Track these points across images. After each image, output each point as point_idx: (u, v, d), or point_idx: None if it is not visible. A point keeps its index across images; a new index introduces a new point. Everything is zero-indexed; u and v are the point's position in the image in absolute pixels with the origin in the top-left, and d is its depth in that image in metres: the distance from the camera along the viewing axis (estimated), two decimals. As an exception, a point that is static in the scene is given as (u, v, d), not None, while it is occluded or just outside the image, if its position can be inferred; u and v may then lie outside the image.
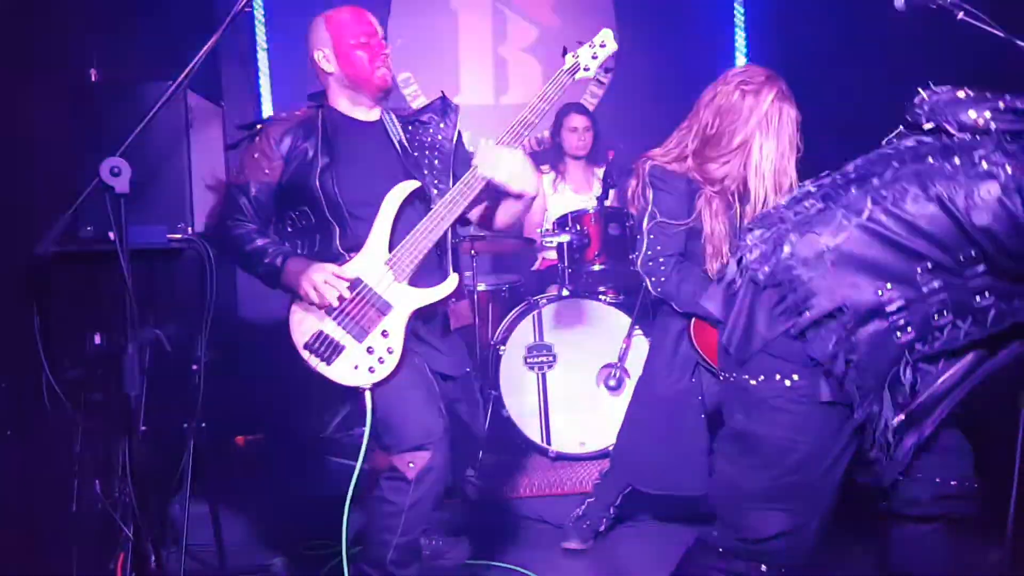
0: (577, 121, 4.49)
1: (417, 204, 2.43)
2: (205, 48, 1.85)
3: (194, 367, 2.56)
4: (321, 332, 2.31)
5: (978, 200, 1.59)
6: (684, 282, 2.73)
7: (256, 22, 4.88)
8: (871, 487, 1.95)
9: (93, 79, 2.83)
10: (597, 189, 4.23)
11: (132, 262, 1.91)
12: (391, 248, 2.35)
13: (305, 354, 2.31)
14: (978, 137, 1.66)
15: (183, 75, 1.88)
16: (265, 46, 4.90)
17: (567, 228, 3.85)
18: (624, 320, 3.68)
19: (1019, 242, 1.58)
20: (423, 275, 2.38)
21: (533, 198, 2.55)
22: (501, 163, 2.37)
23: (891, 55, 3.71)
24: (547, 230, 3.97)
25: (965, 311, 1.65)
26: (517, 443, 3.75)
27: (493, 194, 2.49)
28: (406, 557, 2.33)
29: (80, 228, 2.36)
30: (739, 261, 1.85)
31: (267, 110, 4.89)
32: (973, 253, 1.62)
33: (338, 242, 2.36)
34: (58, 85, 2.57)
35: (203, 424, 2.54)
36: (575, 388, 3.73)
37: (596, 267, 3.84)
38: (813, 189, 1.84)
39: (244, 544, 3.05)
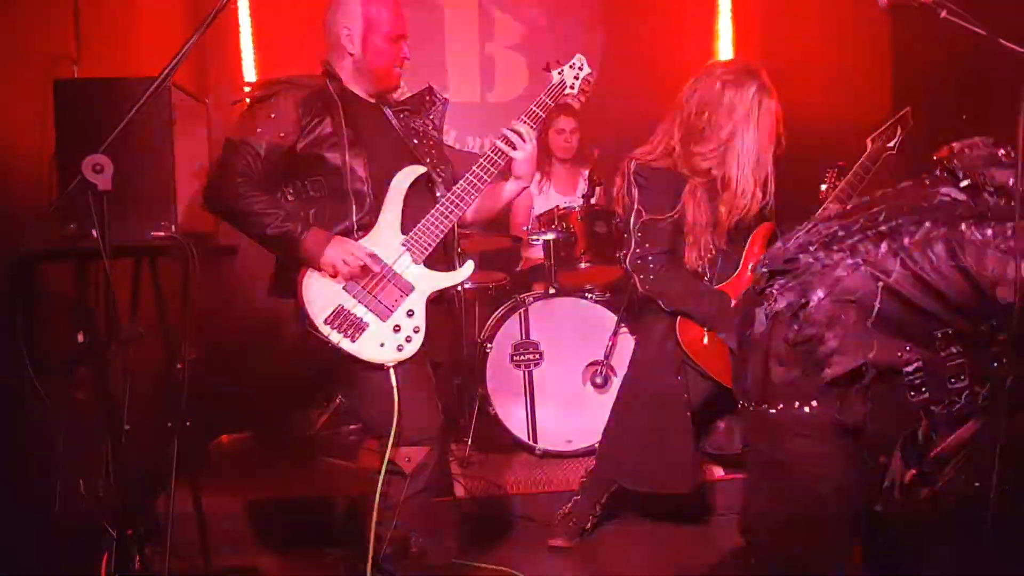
0: (564, 123, 4.49)
1: (421, 189, 2.45)
2: (188, 43, 1.83)
3: (178, 365, 2.54)
4: (342, 307, 2.29)
5: (1007, 275, 1.59)
6: (672, 280, 2.74)
7: (241, 18, 4.85)
8: None
9: (75, 74, 2.81)
10: (582, 189, 4.24)
11: (115, 260, 1.89)
12: (403, 229, 2.37)
13: (326, 329, 2.27)
14: (1012, 203, 1.65)
15: (166, 70, 1.86)
16: (250, 41, 4.87)
17: (553, 226, 3.85)
18: (610, 318, 3.69)
19: None
20: (431, 259, 2.40)
21: (521, 191, 2.61)
22: (529, 139, 2.45)
23: (875, 49, 3.74)
24: (533, 228, 3.97)
25: (983, 377, 1.66)
26: (504, 441, 3.75)
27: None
28: (397, 551, 2.34)
29: (63, 225, 2.33)
30: (765, 311, 1.83)
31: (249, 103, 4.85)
32: (995, 323, 1.63)
33: (355, 218, 2.34)
34: (40, 80, 2.54)
35: (187, 423, 2.52)
36: (561, 386, 3.73)
37: (582, 265, 3.84)
38: (840, 232, 1.80)
39: (229, 543, 3.03)
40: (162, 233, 2.38)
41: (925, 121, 2.96)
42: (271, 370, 4.39)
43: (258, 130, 2.30)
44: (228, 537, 3.05)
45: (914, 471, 1.72)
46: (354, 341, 2.28)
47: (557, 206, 3.88)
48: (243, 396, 4.27)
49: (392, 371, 2.28)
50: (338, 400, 4.20)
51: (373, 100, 2.53)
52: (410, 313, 2.34)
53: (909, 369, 1.66)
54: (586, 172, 4.37)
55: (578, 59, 2.62)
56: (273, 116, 2.31)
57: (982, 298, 1.61)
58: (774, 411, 1.77)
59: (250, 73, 4.88)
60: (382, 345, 2.30)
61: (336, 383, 2.42)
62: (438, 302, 2.50)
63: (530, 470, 3.55)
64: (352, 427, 4.16)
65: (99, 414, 2.43)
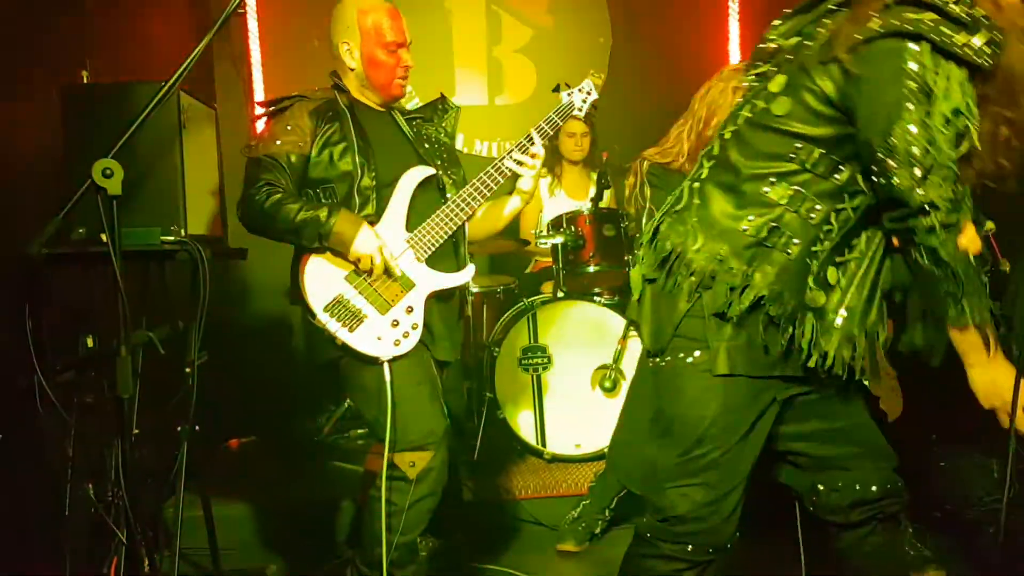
0: (575, 127, 4.48)
1: (430, 190, 2.49)
2: (198, 49, 1.83)
3: (187, 369, 2.55)
4: (341, 296, 2.31)
5: None
6: None
7: (249, 23, 4.86)
8: (792, 490, 1.95)
9: (85, 80, 2.82)
10: (592, 192, 4.23)
11: (124, 264, 1.89)
12: (408, 227, 2.40)
13: (324, 317, 2.29)
14: None
15: (176, 75, 1.86)
16: (258, 47, 4.89)
17: (561, 229, 3.84)
18: (619, 322, 3.68)
19: None
20: (438, 259, 2.44)
21: (521, 207, 2.64)
22: (540, 149, 2.49)
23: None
24: (541, 232, 3.97)
25: None
26: (512, 445, 3.74)
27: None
28: (404, 557, 2.33)
29: (72, 230, 2.34)
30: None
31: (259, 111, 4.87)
32: None
33: (358, 214, 2.37)
34: (49, 85, 2.55)
35: (196, 427, 2.52)
36: (570, 390, 3.72)
37: (591, 268, 3.84)
38: None
39: (239, 548, 3.03)
40: (172, 237, 2.39)
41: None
42: (279, 374, 4.40)
43: (277, 142, 2.38)
44: (238, 541, 3.05)
45: None
46: (351, 332, 2.30)
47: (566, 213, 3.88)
48: (251, 400, 4.27)
49: (387, 366, 2.30)
50: (345, 404, 4.21)
51: (383, 108, 2.57)
52: (409, 309, 2.36)
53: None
54: (595, 175, 4.37)
55: (587, 84, 2.68)
56: (289, 128, 2.39)
57: None
58: (663, 363, 1.78)
59: (259, 78, 4.89)
60: (379, 339, 2.31)
61: (342, 383, 2.41)
62: (448, 300, 2.52)
63: (539, 474, 3.55)
64: (359, 431, 4.16)
65: (108, 418, 2.45)
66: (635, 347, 3.63)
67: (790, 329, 1.65)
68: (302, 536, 3.13)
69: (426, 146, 2.57)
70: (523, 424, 3.70)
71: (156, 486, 2.74)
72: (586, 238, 3.82)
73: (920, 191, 1.46)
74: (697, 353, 1.71)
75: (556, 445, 3.69)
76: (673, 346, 1.75)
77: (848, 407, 1.85)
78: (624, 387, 3.65)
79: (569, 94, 2.66)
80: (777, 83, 1.66)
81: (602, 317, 3.74)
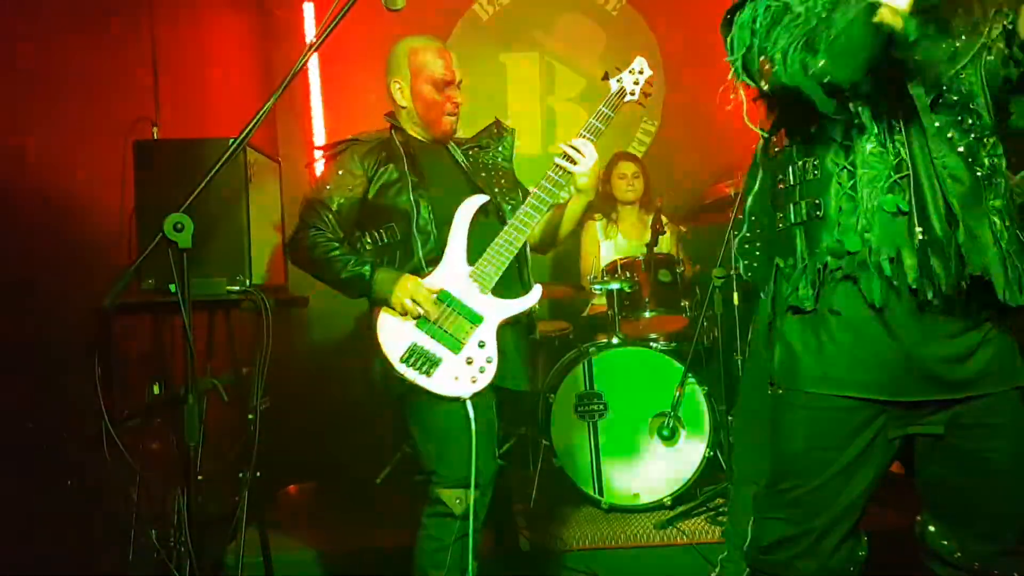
0: (626, 168, 4.51)
1: (490, 218, 2.52)
2: (265, 108, 1.90)
3: (250, 416, 2.59)
4: (415, 344, 2.34)
5: None
6: None
7: (310, 76, 5.01)
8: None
9: (155, 135, 2.92)
10: (648, 236, 4.22)
11: (191, 313, 1.94)
12: (470, 260, 2.42)
13: (402, 368, 2.32)
14: None
15: (243, 133, 1.92)
16: (320, 101, 5.03)
17: (616, 275, 3.83)
18: (676, 368, 3.63)
19: None
20: (503, 286, 2.44)
21: (585, 204, 2.64)
22: (589, 153, 2.49)
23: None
24: (596, 277, 3.96)
25: None
26: (569, 494, 3.70)
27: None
28: None
29: (142, 280, 2.41)
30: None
31: (320, 164, 4.99)
32: None
33: (421, 255, 2.42)
34: (121, 141, 2.66)
35: (258, 473, 2.55)
36: (627, 438, 3.67)
37: (647, 314, 3.81)
38: None
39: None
40: (237, 287, 2.45)
41: None
42: (339, 420, 4.44)
43: (328, 187, 2.46)
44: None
45: None
46: (429, 377, 2.32)
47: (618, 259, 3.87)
48: (311, 446, 4.31)
49: (468, 403, 2.31)
50: (401, 453, 4.22)
51: (437, 144, 2.62)
52: (481, 344, 2.37)
53: None
54: (650, 218, 4.37)
55: (638, 62, 2.59)
56: (340, 173, 2.46)
57: None
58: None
59: (320, 131, 5.03)
60: (456, 378, 2.33)
61: (406, 414, 2.43)
62: (515, 326, 2.52)
63: (596, 525, 3.49)
64: (416, 478, 4.15)
65: (173, 464, 2.49)
66: (693, 394, 3.58)
67: None
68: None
69: (483, 175, 2.60)
70: (579, 472, 3.66)
71: (218, 531, 2.78)
72: (641, 284, 3.80)
73: None
74: None
75: (614, 494, 3.62)
76: None
77: None
78: (683, 435, 3.59)
79: (618, 80, 2.58)
80: None
81: (659, 363, 3.69)
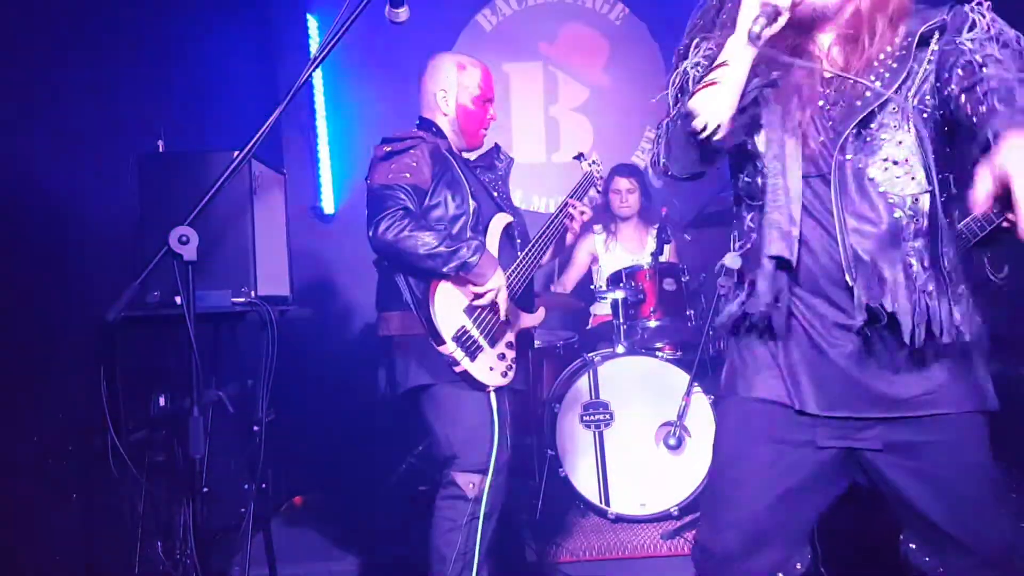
0: (620, 184, 4.52)
1: (504, 236, 2.64)
2: (269, 120, 1.90)
3: (255, 428, 2.59)
4: (464, 328, 2.45)
5: None
6: None
7: (315, 91, 5.03)
8: None
9: (160, 149, 2.94)
10: (651, 246, 4.22)
11: (196, 325, 1.95)
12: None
13: (452, 345, 2.40)
14: None
15: (249, 146, 1.93)
16: (324, 113, 5.05)
17: (621, 284, 3.83)
18: (683, 377, 3.63)
19: None
20: (519, 301, 2.63)
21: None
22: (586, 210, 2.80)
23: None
24: (600, 287, 3.96)
25: None
26: (575, 504, 3.69)
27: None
28: (463, 574, 2.42)
29: (146, 292, 2.42)
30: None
31: (325, 176, 5.02)
32: None
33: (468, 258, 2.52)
34: (124, 154, 2.67)
35: (264, 485, 2.55)
36: (633, 447, 3.66)
37: (652, 323, 3.81)
38: None
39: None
40: (242, 299, 2.45)
41: None
42: (344, 431, 4.43)
43: (405, 175, 2.46)
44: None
45: None
46: (473, 360, 2.44)
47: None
48: (316, 457, 4.31)
49: (493, 394, 2.47)
50: (406, 463, 4.22)
51: (465, 152, 2.76)
52: (510, 344, 2.56)
53: None
54: (653, 229, 4.37)
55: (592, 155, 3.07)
56: (415, 164, 2.51)
57: None
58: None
59: (324, 144, 5.04)
60: (491, 369, 2.48)
61: (425, 405, 2.53)
62: (523, 334, 2.69)
63: (603, 535, 3.48)
64: (422, 488, 4.15)
65: (178, 477, 2.49)
66: (700, 403, 3.57)
67: None
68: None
69: (495, 193, 2.72)
70: (585, 482, 3.65)
71: (223, 543, 2.77)
72: (646, 293, 3.80)
73: None
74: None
75: (620, 504, 3.62)
76: None
77: None
78: (689, 444, 3.58)
79: (591, 163, 3.01)
80: None
81: (665, 372, 3.68)
